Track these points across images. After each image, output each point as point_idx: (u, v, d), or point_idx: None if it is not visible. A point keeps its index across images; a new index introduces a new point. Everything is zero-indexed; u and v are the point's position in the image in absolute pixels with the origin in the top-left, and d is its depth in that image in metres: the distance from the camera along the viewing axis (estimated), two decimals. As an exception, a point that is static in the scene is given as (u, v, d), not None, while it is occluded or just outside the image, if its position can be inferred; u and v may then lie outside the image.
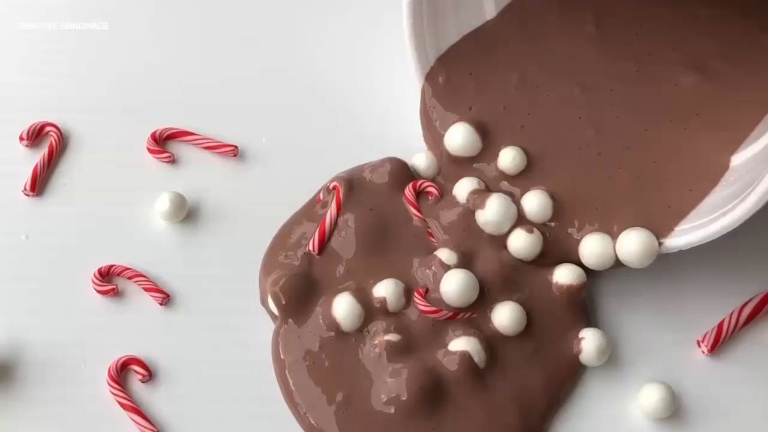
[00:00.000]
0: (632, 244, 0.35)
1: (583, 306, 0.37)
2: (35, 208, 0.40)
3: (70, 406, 0.35)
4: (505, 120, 0.39)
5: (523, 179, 0.38)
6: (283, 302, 0.36)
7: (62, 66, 0.44)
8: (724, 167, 0.37)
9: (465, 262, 0.37)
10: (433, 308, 0.36)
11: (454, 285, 0.35)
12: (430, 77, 0.40)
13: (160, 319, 0.37)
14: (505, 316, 0.36)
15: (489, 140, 0.39)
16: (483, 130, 0.39)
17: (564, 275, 0.37)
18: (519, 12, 0.41)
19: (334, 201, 0.38)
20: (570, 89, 0.40)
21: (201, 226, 0.39)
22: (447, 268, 0.36)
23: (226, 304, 0.38)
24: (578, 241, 0.37)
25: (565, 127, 0.39)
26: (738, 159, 0.37)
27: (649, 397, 0.35)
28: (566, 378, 0.36)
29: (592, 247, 0.36)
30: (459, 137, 0.39)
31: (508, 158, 0.38)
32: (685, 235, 0.35)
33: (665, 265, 0.37)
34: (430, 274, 0.36)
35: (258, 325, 0.37)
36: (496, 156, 0.39)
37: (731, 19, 0.41)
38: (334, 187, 0.39)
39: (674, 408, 0.35)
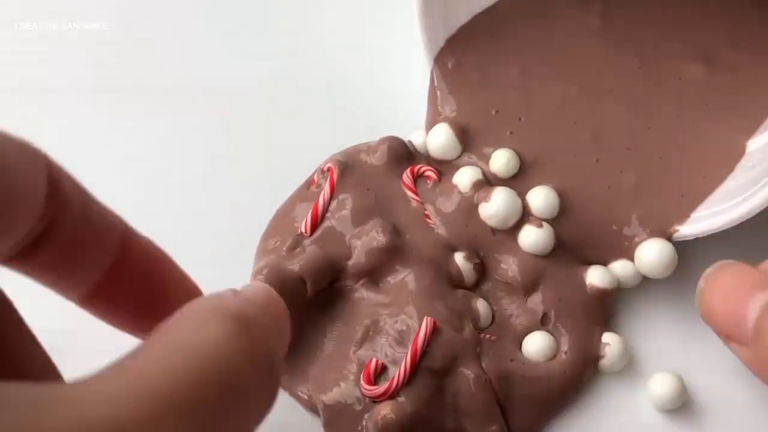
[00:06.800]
0: (651, 255, 0.35)
1: (609, 308, 0.36)
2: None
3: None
4: (494, 124, 0.38)
5: (515, 183, 0.37)
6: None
7: (63, 56, 0.42)
8: (740, 152, 0.36)
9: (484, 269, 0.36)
10: None
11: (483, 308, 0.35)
12: (439, 60, 0.38)
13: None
14: (534, 347, 0.35)
15: (471, 145, 0.38)
16: (465, 134, 0.38)
17: (598, 277, 0.36)
18: (529, -6, 0.40)
19: (328, 183, 0.37)
20: (567, 88, 0.38)
21: (198, 213, 0.39)
22: None
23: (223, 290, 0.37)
24: (587, 244, 0.36)
25: (559, 132, 0.38)
26: (755, 144, 0.36)
27: (658, 386, 0.35)
28: (577, 378, 0.35)
29: (619, 273, 0.36)
30: (438, 139, 0.38)
31: (502, 160, 0.37)
32: (702, 222, 0.34)
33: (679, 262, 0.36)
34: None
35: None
36: (481, 159, 0.37)
37: (741, 4, 0.40)
38: (329, 169, 0.38)
39: (684, 399, 0.35)
